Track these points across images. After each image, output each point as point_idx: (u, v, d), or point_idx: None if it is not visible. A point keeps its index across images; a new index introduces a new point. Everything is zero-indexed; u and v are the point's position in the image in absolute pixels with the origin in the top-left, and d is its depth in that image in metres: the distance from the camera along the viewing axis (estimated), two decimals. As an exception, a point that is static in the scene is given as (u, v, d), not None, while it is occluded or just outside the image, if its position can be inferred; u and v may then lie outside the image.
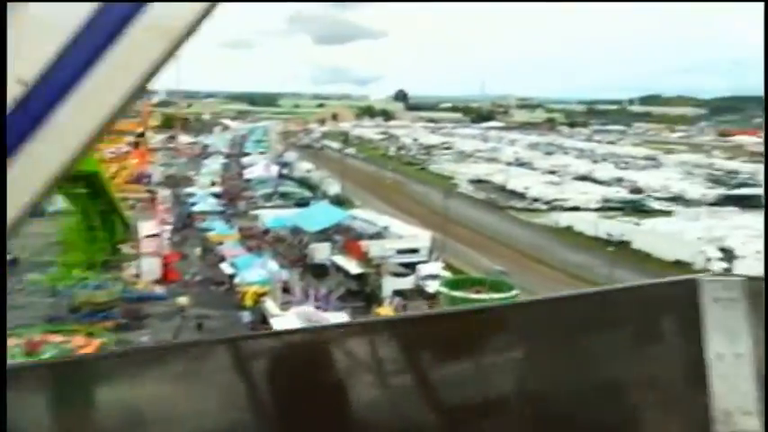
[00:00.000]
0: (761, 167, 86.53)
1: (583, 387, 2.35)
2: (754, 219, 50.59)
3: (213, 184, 67.72)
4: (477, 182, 71.33)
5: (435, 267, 38.12)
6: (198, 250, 43.84)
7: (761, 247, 39.94)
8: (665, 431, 2.40)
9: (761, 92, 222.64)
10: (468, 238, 47.21)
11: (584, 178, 75.15)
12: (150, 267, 37.04)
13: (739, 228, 45.91)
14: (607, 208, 57.59)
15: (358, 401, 2.20)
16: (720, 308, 2.36)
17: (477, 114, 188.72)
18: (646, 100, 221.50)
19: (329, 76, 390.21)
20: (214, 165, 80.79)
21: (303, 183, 69.25)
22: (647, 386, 2.38)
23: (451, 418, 2.24)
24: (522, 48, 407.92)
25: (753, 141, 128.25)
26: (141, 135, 63.64)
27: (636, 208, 57.88)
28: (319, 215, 48.32)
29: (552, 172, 78.97)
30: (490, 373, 2.30)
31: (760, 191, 66.73)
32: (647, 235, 44.81)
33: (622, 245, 44.16)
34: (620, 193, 64.80)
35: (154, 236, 39.69)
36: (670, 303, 2.41)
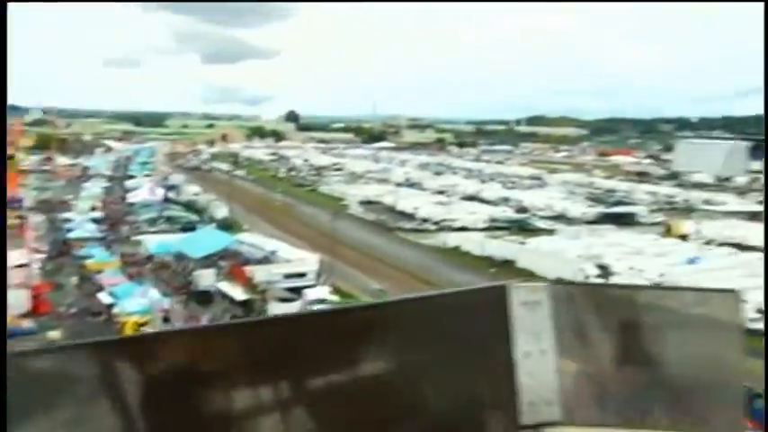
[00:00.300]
0: (635, 186, 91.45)
1: (402, 385, 2.56)
2: (628, 236, 53.24)
3: (93, 208, 64.55)
4: (368, 203, 71.43)
5: (322, 291, 37.74)
6: (74, 279, 41.62)
7: (633, 263, 41.86)
8: (477, 425, 2.66)
9: (635, 114, 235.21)
10: (358, 261, 47.10)
11: (472, 198, 76.68)
12: (17, 300, 34.64)
13: (615, 245, 48.01)
14: (494, 227, 58.79)
15: (213, 401, 2.28)
16: (527, 310, 2.72)
17: (369, 135, 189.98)
18: (532, 120, 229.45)
19: (219, 95, 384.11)
20: (95, 188, 77.27)
21: (190, 206, 67.34)
22: (462, 383, 2.66)
23: (288, 413, 2.40)
24: (413, 68, 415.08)
25: (628, 161, 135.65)
26: (10, 156, 59.90)
27: (521, 227, 59.40)
28: (205, 240, 47.12)
29: (441, 192, 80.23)
30: (322, 372, 2.45)
31: (634, 209, 70.31)
32: (531, 254, 45.97)
33: (507, 264, 45.23)
34: (507, 212, 66.39)
35: (22, 266, 37.34)
36: (483, 307, 2.73)
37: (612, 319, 2.89)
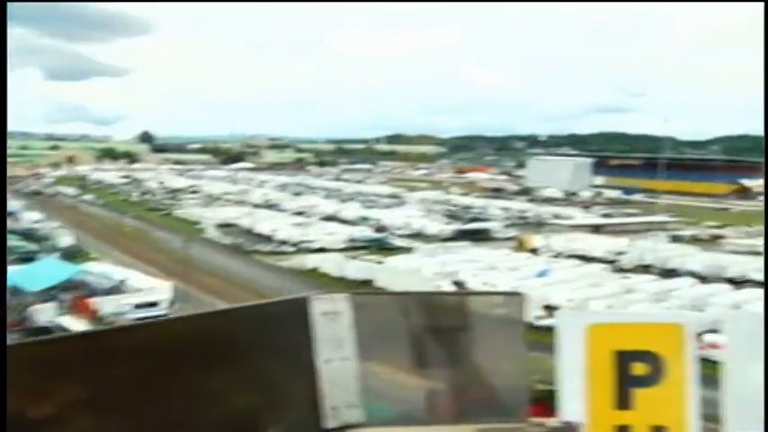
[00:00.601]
0: (490, 202, 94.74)
1: (209, 393, 2.60)
2: (483, 252, 54.78)
3: None
4: (225, 226, 69.55)
5: (175, 321, 36.06)
6: None
7: (488, 278, 42.86)
8: (281, 431, 2.81)
9: (490, 132, 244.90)
10: (214, 286, 45.59)
11: (331, 218, 76.50)
12: None
13: (470, 261, 49.19)
14: (353, 247, 58.80)
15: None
16: (328, 320, 2.91)
17: (228, 155, 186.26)
18: (391, 139, 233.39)
19: (65, 114, 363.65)
20: None
21: (29, 235, 62.61)
22: (267, 391, 2.77)
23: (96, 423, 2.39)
24: (273, 87, 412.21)
25: (484, 177, 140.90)
26: None
27: (380, 246, 59.82)
28: (45, 271, 43.78)
29: (300, 213, 79.59)
30: (131, 385, 2.43)
31: (489, 225, 72.61)
32: (388, 273, 46.05)
33: (366, 284, 45.12)
34: (366, 231, 66.63)
35: None
36: (286, 318, 2.89)
37: (411, 325, 3.08)
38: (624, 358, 2.86)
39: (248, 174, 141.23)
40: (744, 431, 2.77)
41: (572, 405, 2.87)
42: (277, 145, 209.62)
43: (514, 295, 3.30)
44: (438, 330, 3.13)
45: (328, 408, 2.87)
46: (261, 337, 2.81)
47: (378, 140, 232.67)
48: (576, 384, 2.87)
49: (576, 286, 41.58)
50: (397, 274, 45.32)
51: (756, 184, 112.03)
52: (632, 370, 2.85)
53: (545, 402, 3.10)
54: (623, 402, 2.84)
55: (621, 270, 49.90)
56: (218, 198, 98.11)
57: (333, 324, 2.92)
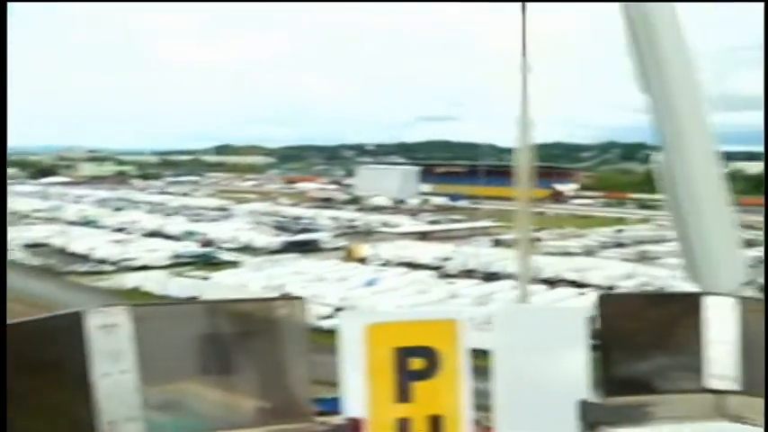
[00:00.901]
0: (320, 212, 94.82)
1: None
2: (311, 263, 54.68)
3: None
4: (34, 246, 64.54)
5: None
6: None
7: (316, 290, 42.41)
8: None
9: (320, 142, 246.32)
10: (15, 313, 41.23)
11: (155, 234, 73.41)
12: None
13: (298, 273, 48.97)
14: (177, 264, 56.73)
15: None
16: (104, 333, 2.84)
17: (37, 169, 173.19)
18: (219, 149, 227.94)
19: None
20: None
21: None
22: (37, 411, 2.64)
23: None
24: (93, 95, 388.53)
25: (313, 187, 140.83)
26: None
27: (206, 261, 58.10)
28: None
29: (121, 230, 75.73)
30: None
31: (318, 235, 72.62)
32: (215, 289, 44.84)
33: (191, 300, 43.44)
34: (191, 247, 64.54)
35: None
36: (58, 333, 2.83)
37: (197, 333, 3.07)
38: (402, 354, 2.99)
39: (62, 189, 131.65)
40: (512, 418, 2.92)
41: (355, 402, 2.97)
42: (96, 157, 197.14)
43: (296, 299, 3.44)
44: (224, 337, 3.15)
45: (105, 423, 2.80)
46: (31, 354, 2.69)
47: (205, 151, 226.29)
48: (359, 381, 2.97)
49: (404, 293, 42.40)
50: (223, 289, 44.23)
51: (568, 188, 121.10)
52: (410, 365, 2.99)
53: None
54: (403, 396, 3.00)
55: (447, 276, 51.52)
56: (25, 216, 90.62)
57: (110, 337, 2.85)
